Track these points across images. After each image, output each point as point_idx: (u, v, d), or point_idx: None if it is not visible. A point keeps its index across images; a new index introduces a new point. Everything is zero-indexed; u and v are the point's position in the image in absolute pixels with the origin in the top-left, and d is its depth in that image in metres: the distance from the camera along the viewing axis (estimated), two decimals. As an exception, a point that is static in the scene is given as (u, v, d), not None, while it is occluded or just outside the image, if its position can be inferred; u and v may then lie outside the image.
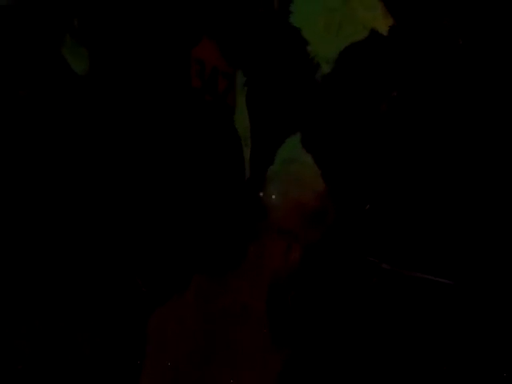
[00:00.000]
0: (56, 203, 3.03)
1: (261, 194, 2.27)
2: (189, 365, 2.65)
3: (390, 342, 2.56)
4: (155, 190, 2.95)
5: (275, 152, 2.31)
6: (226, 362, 2.64)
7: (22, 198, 3.04)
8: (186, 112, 2.97)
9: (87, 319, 2.69)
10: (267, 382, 2.63)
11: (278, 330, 2.64)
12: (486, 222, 2.79)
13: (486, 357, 2.43)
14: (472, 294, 2.67)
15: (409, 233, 2.87)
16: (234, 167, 2.70)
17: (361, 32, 2.41)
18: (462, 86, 2.68)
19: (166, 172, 2.96)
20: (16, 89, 3.18)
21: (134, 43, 2.95)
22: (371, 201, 2.64)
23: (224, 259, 2.70)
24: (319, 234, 2.32)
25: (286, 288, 2.70)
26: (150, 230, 2.90)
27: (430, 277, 2.80)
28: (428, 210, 2.86)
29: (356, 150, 2.43)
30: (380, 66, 2.44)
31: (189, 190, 2.90)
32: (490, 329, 2.54)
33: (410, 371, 2.50)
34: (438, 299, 2.71)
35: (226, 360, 2.64)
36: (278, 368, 2.61)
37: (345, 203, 2.39)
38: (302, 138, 2.31)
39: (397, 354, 2.53)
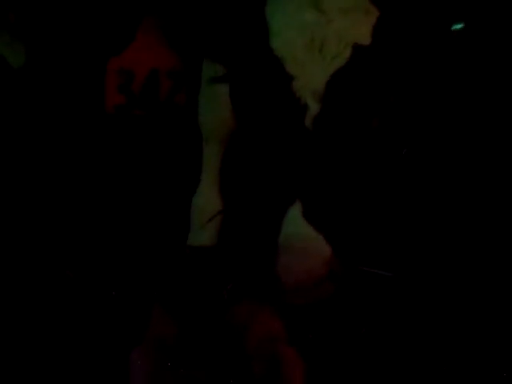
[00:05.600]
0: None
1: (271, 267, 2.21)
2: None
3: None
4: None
5: (279, 223, 2.18)
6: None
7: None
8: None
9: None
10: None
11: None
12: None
13: (486, 357, 2.38)
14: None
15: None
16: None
17: (345, 50, 2.13)
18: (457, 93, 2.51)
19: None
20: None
21: (68, 38, 2.80)
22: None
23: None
24: (331, 290, 2.26)
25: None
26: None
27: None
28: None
29: (358, 206, 2.30)
30: (373, 94, 2.21)
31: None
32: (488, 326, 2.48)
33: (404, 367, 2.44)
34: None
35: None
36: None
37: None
38: (302, 208, 2.16)
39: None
